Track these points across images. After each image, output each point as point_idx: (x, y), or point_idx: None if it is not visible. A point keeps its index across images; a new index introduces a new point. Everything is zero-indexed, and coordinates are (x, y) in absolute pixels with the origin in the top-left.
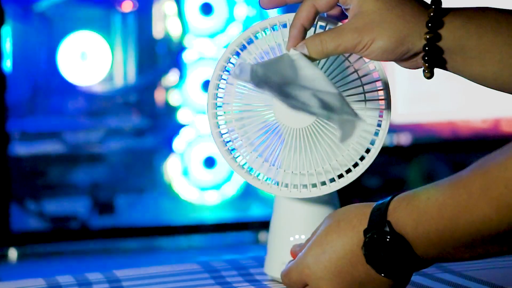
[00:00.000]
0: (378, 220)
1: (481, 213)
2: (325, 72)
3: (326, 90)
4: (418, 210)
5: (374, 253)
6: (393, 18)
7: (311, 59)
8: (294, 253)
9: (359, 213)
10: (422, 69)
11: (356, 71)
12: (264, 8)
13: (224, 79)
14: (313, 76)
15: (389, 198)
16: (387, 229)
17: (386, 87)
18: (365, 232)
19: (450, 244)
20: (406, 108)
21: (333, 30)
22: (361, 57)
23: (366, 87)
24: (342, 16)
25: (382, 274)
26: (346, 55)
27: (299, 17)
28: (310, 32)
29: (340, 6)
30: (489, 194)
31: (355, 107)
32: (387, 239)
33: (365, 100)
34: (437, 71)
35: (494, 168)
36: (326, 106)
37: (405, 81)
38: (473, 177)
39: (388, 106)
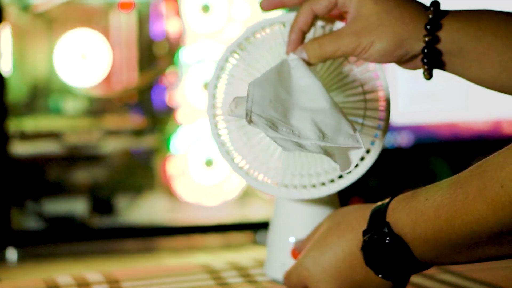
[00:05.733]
0: (377, 221)
1: (477, 214)
2: (325, 72)
3: (323, 106)
4: (416, 211)
5: (373, 254)
6: (392, 21)
7: (310, 63)
8: (296, 251)
9: (359, 215)
10: (421, 70)
11: (355, 71)
12: (264, 11)
13: (224, 79)
14: (310, 86)
15: (388, 199)
16: (386, 230)
17: (385, 88)
18: (364, 233)
19: (447, 246)
20: (407, 109)
21: (331, 34)
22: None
23: (366, 88)
24: (341, 17)
25: (381, 276)
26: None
27: (298, 21)
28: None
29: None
30: (485, 194)
31: (355, 107)
32: (386, 240)
33: (365, 101)
34: (438, 71)
35: (491, 168)
36: (322, 136)
37: (406, 81)
38: (470, 177)
39: (388, 107)
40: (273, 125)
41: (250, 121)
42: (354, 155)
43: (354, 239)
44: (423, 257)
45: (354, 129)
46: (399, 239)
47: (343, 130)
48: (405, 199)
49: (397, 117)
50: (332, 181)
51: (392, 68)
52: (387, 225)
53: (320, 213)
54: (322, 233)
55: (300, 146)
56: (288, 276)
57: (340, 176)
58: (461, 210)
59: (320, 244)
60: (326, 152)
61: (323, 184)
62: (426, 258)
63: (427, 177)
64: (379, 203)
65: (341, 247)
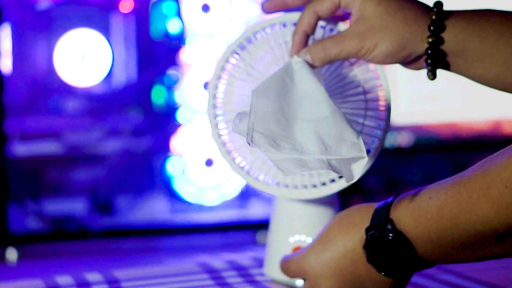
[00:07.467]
0: (381, 218)
1: (481, 213)
2: (325, 72)
3: (326, 113)
4: (419, 209)
5: (375, 251)
6: (395, 23)
7: (314, 66)
8: (296, 249)
9: (361, 212)
10: (425, 70)
11: (356, 71)
12: (266, 12)
13: (224, 79)
14: (313, 92)
15: (391, 197)
16: (390, 226)
17: (386, 87)
18: (367, 230)
19: (450, 244)
20: (407, 109)
21: (335, 36)
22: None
23: (366, 87)
24: (344, 18)
25: (383, 273)
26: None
27: (301, 23)
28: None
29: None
30: (489, 194)
31: (356, 107)
32: (389, 237)
33: (366, 100)
34: (440, 71)
35: (495, 168)
36: (325, 148)
37: (406, 81)
38: (474, 177)
39: (389, 107)
40: (274, 143)
41: (251, 141)
42: (358, 165)
43: (356, 235)
44: (426, 255)
45: (357, 137)
46: (402, 235)
47: (346, 139)
48: (408, 197)
49: (398, 117)
50: (333, 180)
51: (393, 69)
52: (391, 222)
53: (320, 213)
54: (325, 230)
55: (303, 166)
56: (287, 263)
57: (341, 176)
58: (465, 209)
59: (323, 240)
60: (330, 166)
61: (324, 184)
62: (429, 257)
63: (427, 177)
64: (382, 201)
65: (343, 243)
